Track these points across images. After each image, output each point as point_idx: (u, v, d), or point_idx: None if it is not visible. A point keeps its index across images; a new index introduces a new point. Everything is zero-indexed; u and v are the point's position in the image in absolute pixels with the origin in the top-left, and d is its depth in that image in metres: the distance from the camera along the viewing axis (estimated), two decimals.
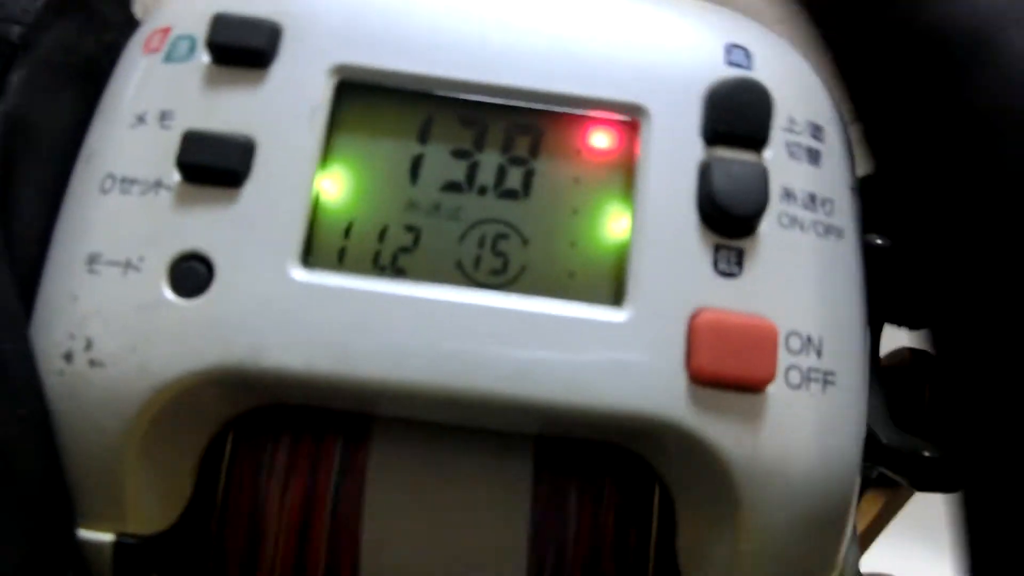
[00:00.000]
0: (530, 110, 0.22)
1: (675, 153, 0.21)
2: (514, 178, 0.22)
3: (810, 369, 0.20)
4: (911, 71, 0.21)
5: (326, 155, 0.21)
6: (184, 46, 0.22)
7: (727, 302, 0.21)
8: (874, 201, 0.23)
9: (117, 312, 0.20)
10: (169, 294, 0.20)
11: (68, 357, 0.20)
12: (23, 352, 0.21)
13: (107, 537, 0.21)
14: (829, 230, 0.21)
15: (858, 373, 0.21)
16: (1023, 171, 0.19)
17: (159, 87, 0.22)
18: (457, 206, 0.21)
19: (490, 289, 0.21)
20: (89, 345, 0.20)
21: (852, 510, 0.21)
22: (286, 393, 0.21)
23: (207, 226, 0.21)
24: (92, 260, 0.21)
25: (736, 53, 0.22)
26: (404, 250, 0.21)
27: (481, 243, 0.21)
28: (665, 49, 0.22)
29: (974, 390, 0.20)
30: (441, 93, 0.22)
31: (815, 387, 0.20)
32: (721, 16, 0.23)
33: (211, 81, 0.22)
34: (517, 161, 0.22)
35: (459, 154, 0.22)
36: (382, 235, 0.21)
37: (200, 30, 0.22)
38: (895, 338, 0.25)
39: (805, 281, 0.21)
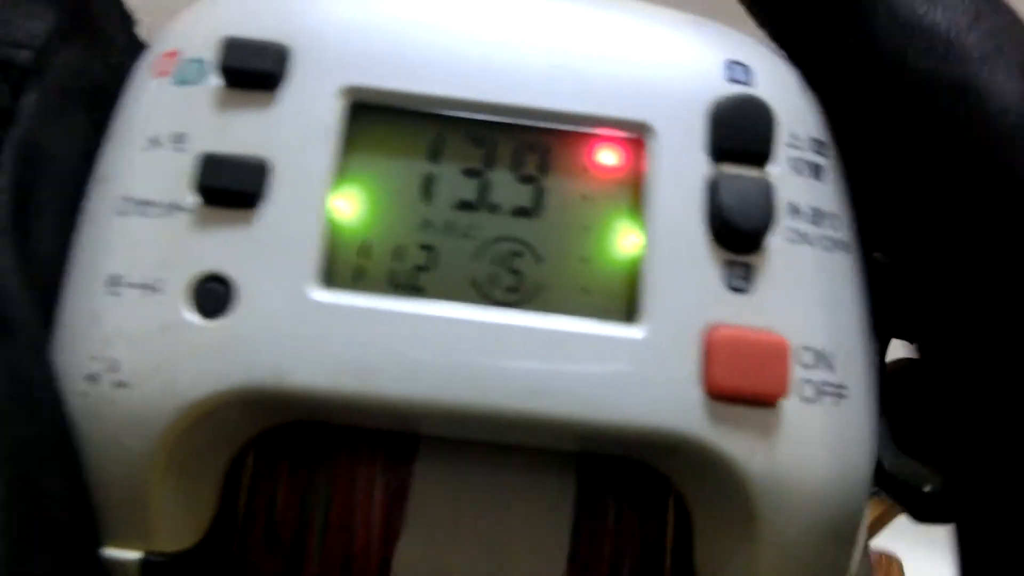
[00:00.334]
0: (538, 128, 0.22)
1: (682, 170, 0.22)
2: (525, 196, 0.22)
3: (823, 383, 0.21)
4: (885, 122, 0.22)
5: (339, 175, 0.22)
6: (194, 69, 0.23)
7: (739, 317, 0.21)
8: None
9: (140, 333, 0.21)
10: (191, 315, 0.21)
11: (92, 379, 0.21)
12: (47, 375, 0.21)
13: (133, 555, 0.21)
14: (835, 244, 0.22)
15: (868, 386, 0.22)
16: (1002, 225, 0.20)
17: (171, 110, 0.22)
18: (470, 224, 0.22)
19: (506, 307, 0.21)
20: (113, 367, 0.21)
21: (864, 521, 0.22)
22: (310, 411, 0.21)
23: (225, 247, 0.21)
24: (113, 282, 0.21)
25: (736, 70, 0.23)
26: (420, 269, 0.21)
27: (495, 261, 0.22)
28: (668, 67, 0.23)
29: (967, 405, 0.21)
30: (450, 113, 0.22)
31: (828, 400, 0.21)
32: (718, 32, 0.24)
33: (223, 104, 0.22)
34: (527, 179, 0.22)
35: (470, 173, 0.22)
36: (398, 254, 0.22)
37: (209, 53, 0.22)
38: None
39: (814, 295, 0.22)
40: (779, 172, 0.22)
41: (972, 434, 0.21)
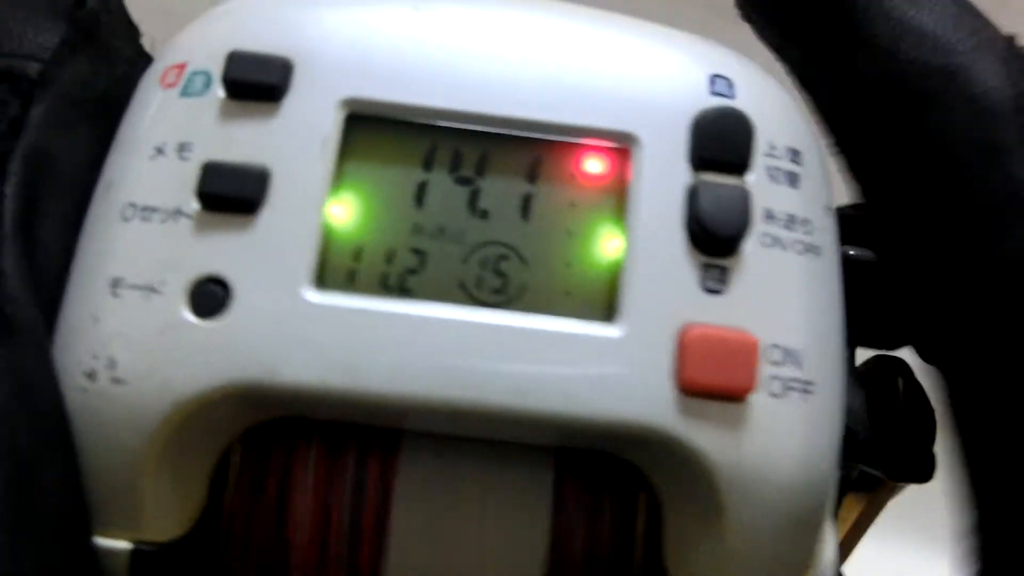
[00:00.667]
0: (528, 139, 0.23)
1: (664, 178, 0.23)
2: (513, 203, 0.23)
3: (791, 379, 0.22)
4: (880, 110, 0.23)
5: (336, 183, 0.23)
6: (200, 81, 0.24)
7: (713, 317, 0.22)
8: (863, 226, 0.25)
9: (139, 333, 0.22)
10: (189, 316, 0.22)
11: (91, 376, 0.21)
12: (47, 371, 0.22)
13: (124, 545, 0.22)
14: (808, 248, 0.23)
15: (836, 383, 0.23)
16: (987, 201, 0.21)
17: (176, 120, 0.23)
18: (460, 229, 0.23)
19: (492, 307, 0.22)
20: (112, 364, 0.21)
21: (828, 510, 0.23)
22: (301, 407, 0.22)
23: (225, 251, 0.22)
24: (115, 284, 0.22)
25: (720, 83, 0.24)
26: (411, 271, 0.22)
27: (483, 264, 0.22)
28: (654, 80, 0.24)
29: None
30: (443, 124, 0.23)
31: (795, 396, 0.22)
32: (705, 47, 0.25)
33: (226, 114, 0.23)
34: (516, 187, 0.23)
35: (461, 181, 0.23)
36: (390, 258, 0.22)
37: (214, 66, 0.23)
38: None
39: (786, 297, 0.22)
40: (756, 180, 0.23)
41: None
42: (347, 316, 0.22)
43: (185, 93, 0.24)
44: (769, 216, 0.23)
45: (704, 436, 0.21)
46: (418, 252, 0.22)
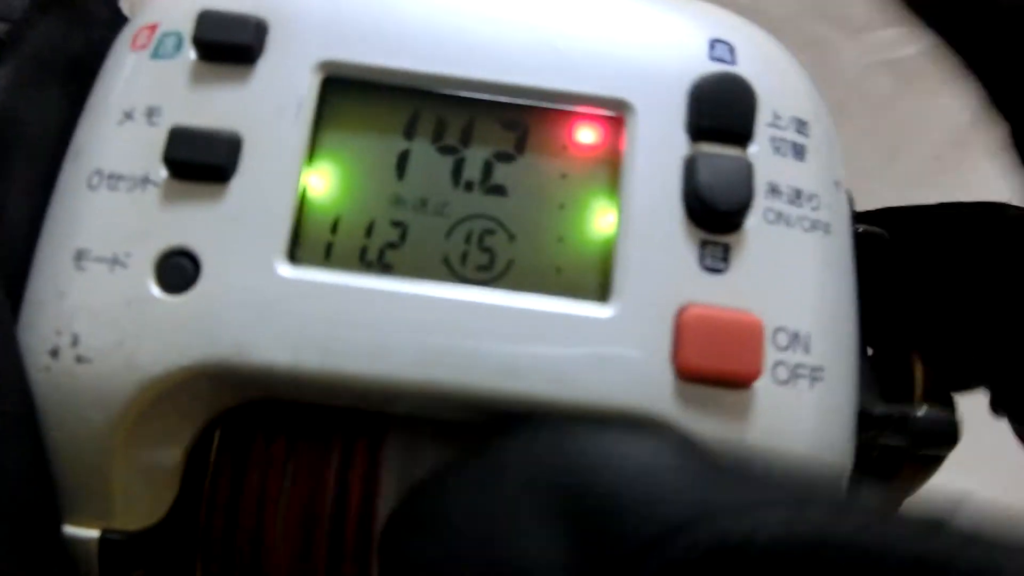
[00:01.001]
0: (516, 106, 0.22)
1: (660, 148, 0.21)
2: (500, 174, 0.22)
3: (798, 365, 0.21)
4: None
5: (312, 151, 0.22)
6: (171, 43, 0.22)
7: (713, 298, 0.21)
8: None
9: (104, 308, 0.20)
10: (156, 290, 0.20)
11: (54, 353, 0.20)
12: (10, 349, 0.21)
13: (93, 533, 0.21)
14: (815, 225, 0.22)
15: (847, 369, 0.21)
16: None
17: (146, 84, 0.22)
18: (444, 202, 0.21)
19: (477, 285, 0.21)
20: (76, 341, 0.20)
21: None
22: (274, 389, 0.21)
23: (194, 222, 0.21)
24: (79, 256, 0.21)
25: (720, 48, 0.22)
26: (391, 246, 0.21)
27: (468, 239, 0.21)
28: (650, 44, 0.22)
29: None
30: (427, 89, 0.22)
31: (803, 383, 0.20)
32: (704, 11, 0.24)
33: (198, 77, 0.22)
34: (503, 157, 0.22)
35: (445, 150, 0.22)
36: (369, 230, 0.21)
37: (187, 27, 0.22)
38: None
39: (792, 277, 0.21)
40: (759, 152, 0.22)
41: None
42: (323, 292, 0.20)
43: (156, 55, 0.22)
44: (773, 190, 0.21)
45: (705, 424, 0.20)
46: (399, 225, 0.21)
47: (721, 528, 0.16)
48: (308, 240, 0.21)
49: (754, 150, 0.22)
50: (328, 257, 0.21)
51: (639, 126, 0.22)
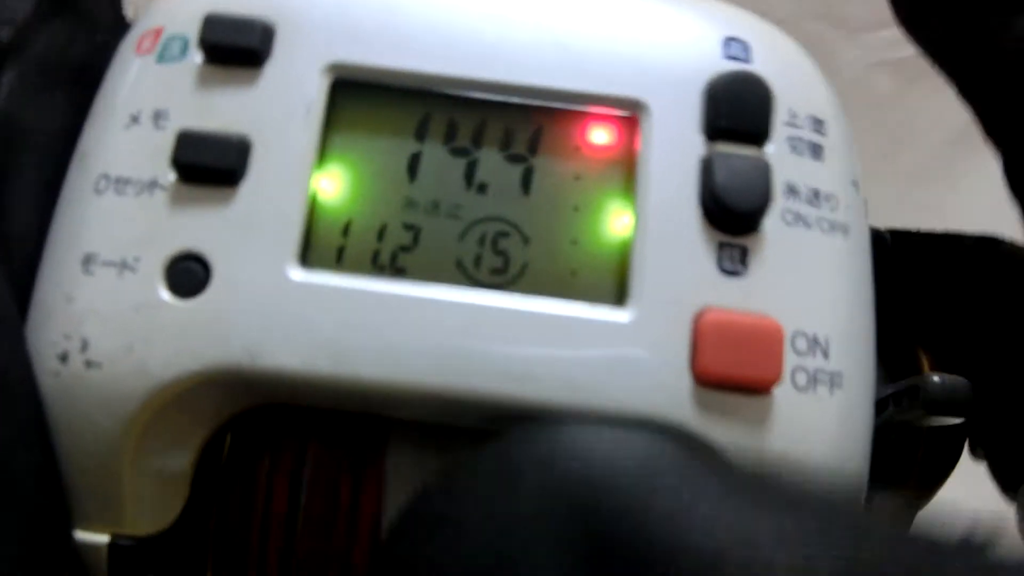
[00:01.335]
0: (528, 106, 0.22)
1: (676, 149, 0.21)
2: (514, 176, 0.21)
3: (817, 370, 0.20)
4: None
5: (323, 154, 0.21)
6: (176, 46, 0.22)
7: (732, 301, 0.20)
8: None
9: (113, 313, 0.20)
10: (165, 294, 0.20)
11: (64, 358, 0.20)
12: (19, 354, 0.20)
13: (103, 538, 0.21)
14: (834, 227, 0.21)
15: (866, 374, 0.21)
16: None
17: (152, 87, 0.22)
18: (456, 204, 0.21)
19: (491, 288, 0.21)
20: (85, 346, 0.20)
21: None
22: (286, 393, 0.21)
23: (203, 226, 0.21)
24: (87, 261, 0.21)
25: (734, 46, 0.22)
26: (403, 249, 0.21)
27: (481, 241, 0.21)
28: (663, 43, 0.22)
29: None
30: (437, 90, 0.22)
31: (822, 389, 0.20)
32: (717, 8, 0.23)
33: (204, 81, 0.22)
34: (516, 158, 0.21)
35: (457, 152, 0.21)
36: (381, 234, 0.21)
37: (192, 30, 0.22)
38: None
39: (811, 279, 0.21)
40: (776, 151, 0.21)
41: None
42: (334, 296, 0.20)
43: (161, 59, 0.22)
44: (791, 191, 0.21)
45: (723, 431, 0.20)
46: (411, 228, 0.21)
47: (764, 560, 0.15)
48: (319, 244, 0.21)
49: (771, 150, 0.21)
50: (340, 261, 0.21)
51: (654, 126, 0.21)
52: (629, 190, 0.21)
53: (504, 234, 0.21)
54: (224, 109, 0.21)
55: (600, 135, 0.22)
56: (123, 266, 0.20)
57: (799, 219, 0.21)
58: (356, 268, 0.21)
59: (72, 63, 0.23)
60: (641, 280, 0.20)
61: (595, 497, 0.17)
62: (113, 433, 0.20)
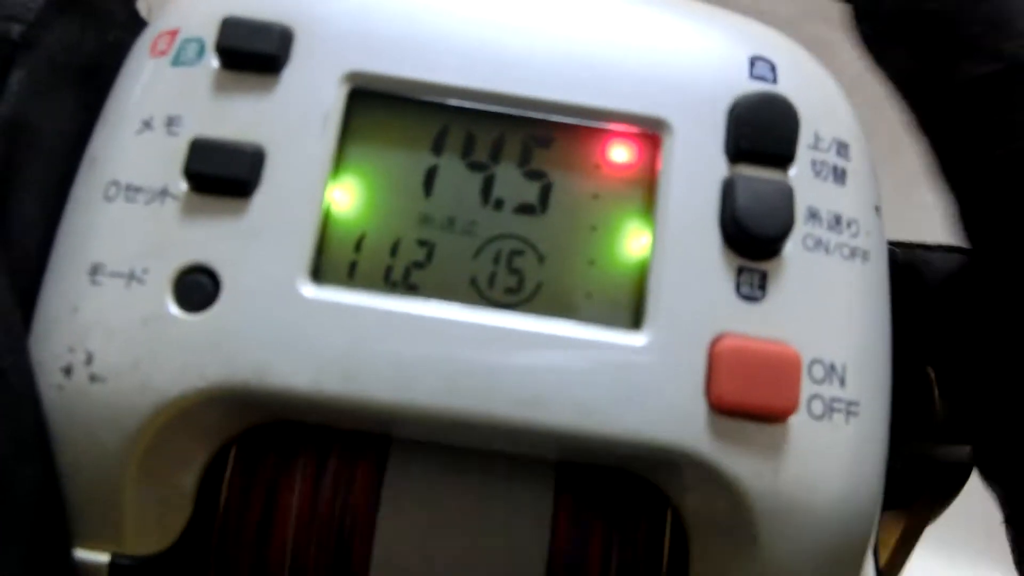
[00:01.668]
0: (548, 122, 0.21)
1: (698, 170, 0.21)
2: (531, 192, 0.21)
3: (833, 399, 0.20)
4: (984, 113, 0.21)
5: (337, 165, 0.21)
6: (192, 49, 0.22)
7: (749, 327, 0.20)
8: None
9: (119, 326, 0.20)
10: (174, 308, 0.20)
11: (68, 371, 0.20)
12: (22, 365, 0.20)
13: (103, 558, 0.20)
14: (854, 253, 0.21)
15: (882, 401, 0.21)
16: None
17: (166, 92, 0.21)
18: (472, 220, 0.21)
19: (505, 308, 0.20)
20: (90, 359, 0.20)
21: (871, 544, 0.21)
22: (293, 412, 0.21)
23: (214, 238, 0.20)
24: (94, 271, 0.20)
25: (760, 66, 0.22)
26: (417, 265, 0.20)
27: (496, 259, 0.21)
28: (688, 61, 0.22)
29: None
30: (457, 103, 0.21)
31: (838, 418, 0.20)
32: (744, 26, 0.23)
33: (220, 86, 0.21)
34: (534, 175, 0.21)
35: (474, 166, 0.21)
36: (394, 249, 0.21)
37: (209, 33, 0.22)
38: None
39: (829, 306, 0.20)
40: (799, 175, 0.21)
41: None
42: (346, 314, 0.20)
43: (176, 62, 0.22)
44: (813, 216, 0.21)
45: (738, 460, 0.19)
46: (425, 244, 0.21)
47: None
48: (331, 259, 0.20)
49: (794, 173, 0.21)
50: (352, 276, 0.20)
51: (676, 146, 0.21)
52: (648, 210, 0.21)
53: (519, 252, 0.21)
54: (239, 116, 0.21)
55: (620, 153, 0.21)
56: (131, 277, 0.20)
57: (819, 244, 0.21)
58: (368, 284, 0.20)
59: (83, 62, 0.23)
60: (657, 304, 0.20)
61: None
62: (116, 449, 0.20)
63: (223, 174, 0.20)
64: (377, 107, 0.21)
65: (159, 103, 0.21)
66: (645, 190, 0.21)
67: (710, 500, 0.20)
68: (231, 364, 0.19)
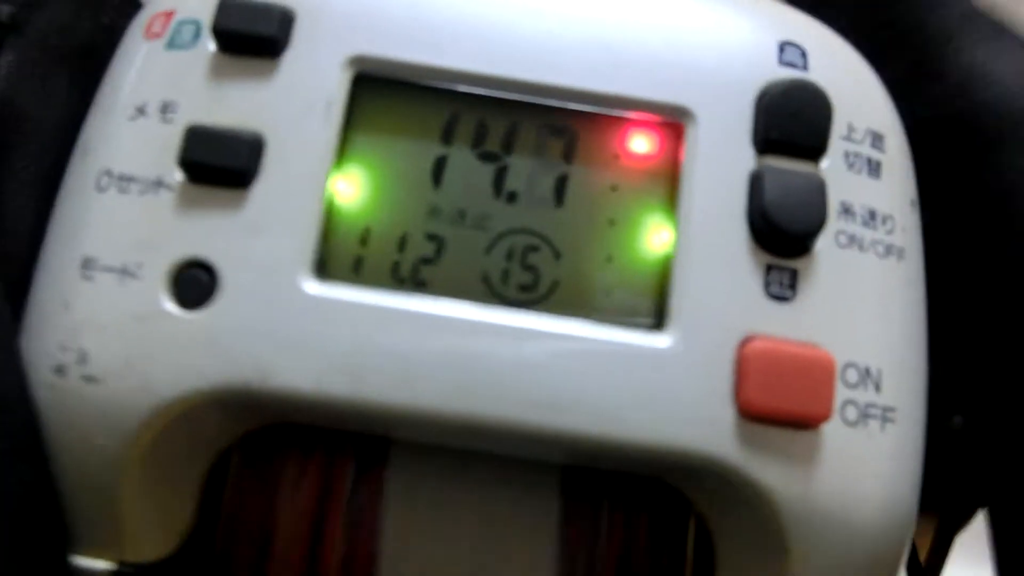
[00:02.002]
0: (565, 110, 0.20)
1: (723, 161, 0.20)
2: (546, 184, 0.20)
3: (868, 405, 0.19)
4: (946, 148, 0.22)
5: (341, 154, 0.20)
6: (188, 32, 0.21)
7: (779, 328, 0.19)
8: None
9: (113, 323, 0.19)
10: (169, 305, 0.19)
11: (60, 371, 0.19)
12: (10, 363, 0.19)
13: (103, 565, 0.20)
14: (889, 250, 0.20)
15: (918, 406, 0.20)
16: None
17: (160, 76, 0.20)
18: (484, 214, 0.20)
19: (518, 307, 0.19)
20: (83, 358, 0.19)
21: (904, 554, 0.20)
22: (295, 414, 0.20)
23: (212, 231, 0.19)
24: (86, 265, 0.19)
25: (790, 52, 0.21)
26: (425, 261, 0.19)
27: (509, 255, 0.19)
28: (713, 46, 0.21)
29: None
30: (467, 89, 0.20)
31: (873, 425, 0.19)
32: (773, 10, 0.22)
33: (217, 71, 0.20)
34: (549, 166, 0.20)
35: (486, 157, 0.20)
36: (402, 244, 0.19)
37: (206, 15, 0.20)
38: None
39: (864, 307, 0.19)
40: (831, 168, 0.20)
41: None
42: (351, 312, 0.19)
43: (171, 45, 0.21)
44: (846, 211, 0.20)
45: (768, 468, 0.18)
46: (434, 239, 0.20)
47: None
48: (336, 253, 0.19)
49: (826, 165, 0.20)
50: (357, 272, 0.19)
51: (700, 136, 0.20)
52: (670, 204, 0.20)
53: (534, 248, 0.20)
54: (237, 103, 0.20)
55: (641, 143, 0.20)
56: (124, 272, 0.19)
57: (853, 241, 0.20)
58: (375, 281, 0.19)
59: (76, 44, 0.22)
60: (681, 303, 0.19)
61: None
62: (113, 453, 0.19)
63: (220, 163, 0.19)
64: (383, 93, 0.20)
65: (153, 88, 0.20)
66: (667, 182, 0.20)
67: (738, 509, 0.19)
68: (231, 364, 0.18)
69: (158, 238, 0.19)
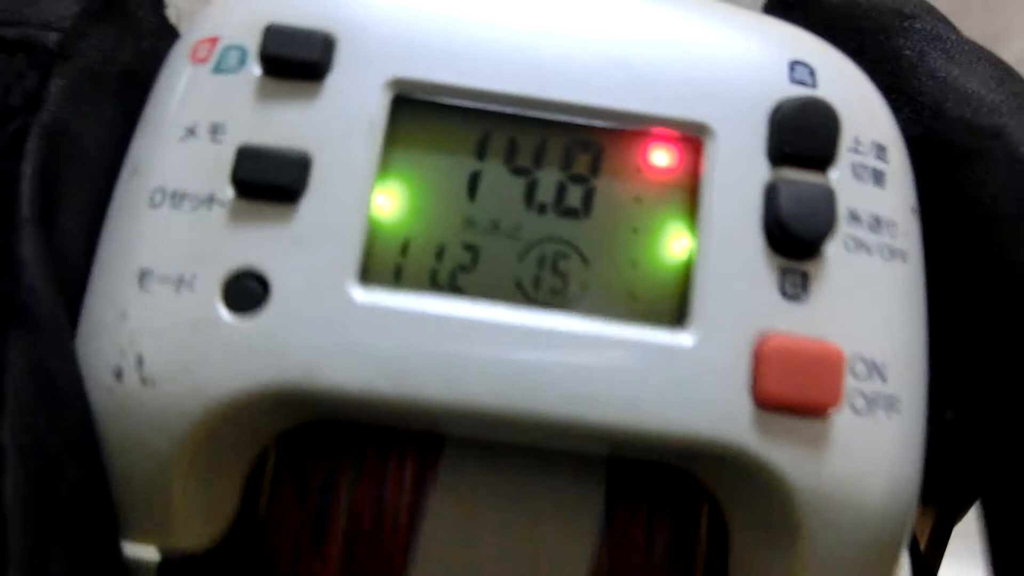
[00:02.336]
0: (590, 127, 0.22)
1: (740, 173, 0.21)
2: (574, 196, 0.21)
3: (875, 394, 0.20)
4: (922, 166, 0.23)
5: (382, 171, 0.21)
6: (234, 57, 0.22)
7: (792, 325, 0.20)
8: None
9: (169, 330, 0.20)
10: (223, 312, 0.20)
11: (118, 374, 0.20)
12: (69, 366, 0.20)
13: (152, 554, 0.21)
14: (894, 253, 0.21)
15: (920, 397, 0.21)
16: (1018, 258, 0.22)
17: (209, 99, 0.22)
18: (516, 224, 0.21)
19: (550, 309, 0.20)
20: (140, 363, 0.20)
21: (907, 537, 0.21)
22: (342, 411, 0.21)
23: (262, 243, 0.20)
24: (143, 276, 0.20)
25: (800, 70, 0.22)
26: (462, 268, 0.21)
27: (541, 262, 0.21)
28: (728, 65, 0.22)
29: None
30: (499, 109, 0.21)
31: (880, 413, 0.20)
32: (783, 31, 0.23)
33: (263, 94, 0.21)
34: (577, 179, 0.21)
35: (518, 171, 0.21)
36: (439, 253, 0.21)
37: (250, 40, 0.22)
38: None
39: (870, 305, 0.21)
40: (839, 178, 0.21)
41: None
42: (394, 316, 0.20)
43: (218, 69, 0.22)
44: (854, 217, 0.21)
45: (782, 454, 0.20)
46: (470, 248, 0.21)
47: None
48: (378, 262, 0.21)
49: (834, 176, 0.21)
50: (398, 280, 0.21)
51: (718, 149, 0.21)
52: (690, 213, 0.21)
53: (563, 255, 0.21)
54: (284, 123, 0.21)
55: (662, 157, 0.21)
56: (180, 283, 0.20)
57: (860, 245, 0.21)
58: (415, 287, 0.20)
59: (119, 70, 0.23)
60: (703, 303, 0.20)
61: None
62: (166, 452, 0.20)
63: (271, 181, 0.21)
64: (420, 113, 0.21)
65: (202, 110, 0.21)
66: (687, 193, 0.21)
67: (753, 493, 0.20)
68: (282, 365, 0.20)
69: (211, 250, 0.20)
